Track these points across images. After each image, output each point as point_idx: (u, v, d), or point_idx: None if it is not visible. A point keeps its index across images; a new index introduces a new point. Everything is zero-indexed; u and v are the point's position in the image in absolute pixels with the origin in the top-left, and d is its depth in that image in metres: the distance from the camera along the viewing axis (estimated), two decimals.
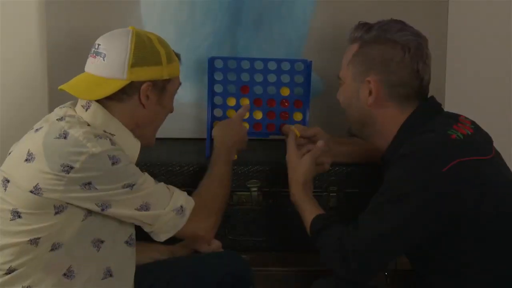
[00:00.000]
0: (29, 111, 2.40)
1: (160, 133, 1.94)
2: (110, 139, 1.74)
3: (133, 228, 1.85)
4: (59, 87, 1.82)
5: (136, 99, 1.81)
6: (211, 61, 2.24)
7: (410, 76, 1.86)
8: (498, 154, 1.87)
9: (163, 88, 1.84)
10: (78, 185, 1.69)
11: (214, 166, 2.00)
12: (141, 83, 1.80)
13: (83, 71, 1.84)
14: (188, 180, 2.14)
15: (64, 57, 2.30)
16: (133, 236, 1.85)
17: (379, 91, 1.87)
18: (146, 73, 1.80)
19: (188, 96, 2.35)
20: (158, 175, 2.13)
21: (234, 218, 2.14)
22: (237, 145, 2.10)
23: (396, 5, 2.32)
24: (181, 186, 2.13)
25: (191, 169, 2.15)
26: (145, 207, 1.76)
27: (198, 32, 2.35)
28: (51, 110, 2.27)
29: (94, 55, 1.80)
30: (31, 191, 1.70)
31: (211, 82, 2.25)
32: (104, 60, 1.79)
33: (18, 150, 1.77)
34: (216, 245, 2.10)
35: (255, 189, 2.16)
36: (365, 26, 1.92)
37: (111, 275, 1.80)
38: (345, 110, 1.96)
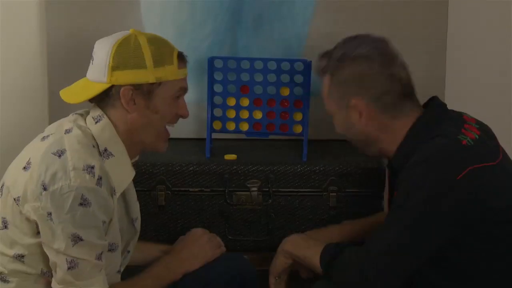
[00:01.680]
0: (29, 111, 2.40)
1: None
2: (99, 177, 1.66)
3: (124, 260, 1.83)
4: (60, 91, 1.81)
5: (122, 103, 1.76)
6: (211, 61, 2.24)
7: (387, 82, 1.85)
8: (504, 154, 1.86)
9: (150, 92, 1.76)
10: (45, 214, 1.64)
11: (150, 276, 1.86)
12: (122, 86, 1.74)
13: (83, 71, 1.82)
14: (188, 180, 2.15)
15: (64, 57, 2.30)
16: (122, 268, 1.82)
17: (367, 109, 1.85)
18: (127, 77, 1.73)
19: (188, 96, 2.32)
20: (158, 175, 2.13)
21: (234, 218, 2.14)
22: (186, 266, 1.93)
23: (396, 5, 2.32)
24: (181, 186, 2.14)
25: (191, 169, 2.15)
26: (71, 265, 1.65)
27: (198, 32, 2.35)
28: (51, 110, 2.29)
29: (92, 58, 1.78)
30: (14, 199, 1.69)
31: (211, 82, 2.25)
32: (92, 63, 1.77)
33: (22, 155, 1.75)
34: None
35: (255, 189, 2.16)
36: (325, 56, 1.91)
37: None
38: (347, 137, 1.95)
